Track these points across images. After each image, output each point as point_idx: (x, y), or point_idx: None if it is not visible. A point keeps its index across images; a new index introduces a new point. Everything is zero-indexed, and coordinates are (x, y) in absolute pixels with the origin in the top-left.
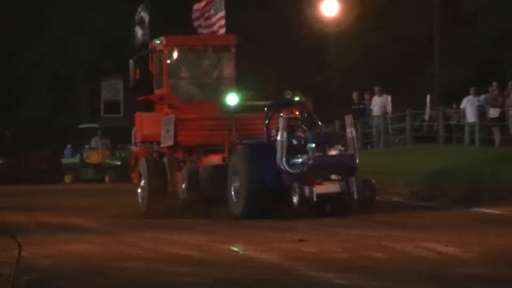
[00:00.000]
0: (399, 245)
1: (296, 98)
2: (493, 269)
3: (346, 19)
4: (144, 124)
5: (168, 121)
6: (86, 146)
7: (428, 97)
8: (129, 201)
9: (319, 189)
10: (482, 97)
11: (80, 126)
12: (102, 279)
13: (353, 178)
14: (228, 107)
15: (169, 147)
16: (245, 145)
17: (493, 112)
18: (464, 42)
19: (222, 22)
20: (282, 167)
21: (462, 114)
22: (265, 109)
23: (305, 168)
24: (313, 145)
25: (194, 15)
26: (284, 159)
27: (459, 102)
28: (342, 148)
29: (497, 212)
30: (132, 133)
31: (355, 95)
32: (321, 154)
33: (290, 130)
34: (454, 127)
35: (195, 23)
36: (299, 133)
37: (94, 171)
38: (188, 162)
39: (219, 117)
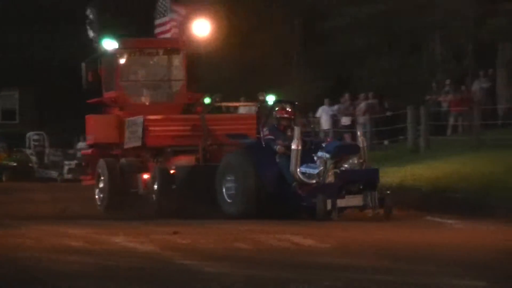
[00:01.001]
0: (264, 236)
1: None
2: (344, 257)
3: (217, 38)
4: (96, 126)
5: (134, 122)
6: None
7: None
8: (27, 198)
9: (341, 202)
10: (336, 107)
11: None
12: None
13: (375, 192)
14: (205, 106)
15: (133, 148)
16: (241, 145)
17: (345, 120)
18: (322, 58)
19: (168, 26)
20: (297, 177)
21: (317, 122)
22: (255, 108)
23: (321, 179)
24: (328, 155)
25: (157, 30)
26: (299, 169)
27: (316, 111)
28: (360, 160)
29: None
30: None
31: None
32: (341, 166)
33: (283, 130)
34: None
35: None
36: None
37: None
38: (154, 163)
39: (187, 117)
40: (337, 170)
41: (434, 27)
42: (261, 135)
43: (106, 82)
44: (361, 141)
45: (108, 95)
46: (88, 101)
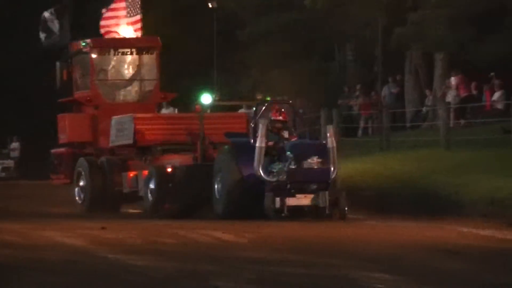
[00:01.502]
0: (185, 232)
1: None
2: (258, 252)
3: None
4: (70, 125)
5: (122, 120)
6: None
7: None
8: None
9: (291, 201)
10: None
11: None
12: None
13: (326, 193)
14: (202, 105)
15: (112, 148)
16: (230, 144)
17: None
18: (240, 63)
19: (139, 25)
20: (259, 174)
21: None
22: (253, 108)
23: (279, 177)
24: (290, 153)
25: (104, 21)
26: (261, 166)
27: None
28: (320, 160)
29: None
30: None
31: None
32: (297, 165)
33: (277, 132)
34: None
35: (103, 29)
36: (286, 136)
37: None
38: (142, 162)
39: (178, 116)
40: (286, 169)
41: (346, 36)
42: (250, 135)
43: (79, 81)
44: (329, 142)
45: (81, 94)
46: (61, 100)
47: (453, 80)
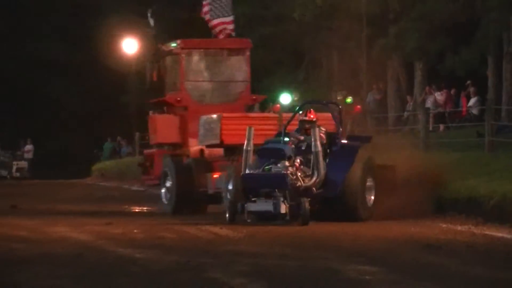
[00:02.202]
0: (185, 227)
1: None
2: (254, 246)
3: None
4: (160, 127)
5: (210, 120)
6: None
7: None
8: None
9: (251, 206)
10: None
11: None
12: None
13: (283, 199)
14: (282, 106)
15: (202, 148)
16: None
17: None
18: None
19: (231, 26)
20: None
21: None
22: (296, 109)
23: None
24: (258, 157)
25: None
26: (246, 169)
27: None
28: (287, 164)
29: None
30: None
31: None
32: (255, 170)
33: (304, 133)
34: None
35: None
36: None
37: None
38: (229, 162)
39: (264, 116)
40: (242, 174)
41: (332, 47)
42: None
43: (169, 82)
44: (313, 146)
45: (170, 95)
46: (150, 100)
47: (438, 95)
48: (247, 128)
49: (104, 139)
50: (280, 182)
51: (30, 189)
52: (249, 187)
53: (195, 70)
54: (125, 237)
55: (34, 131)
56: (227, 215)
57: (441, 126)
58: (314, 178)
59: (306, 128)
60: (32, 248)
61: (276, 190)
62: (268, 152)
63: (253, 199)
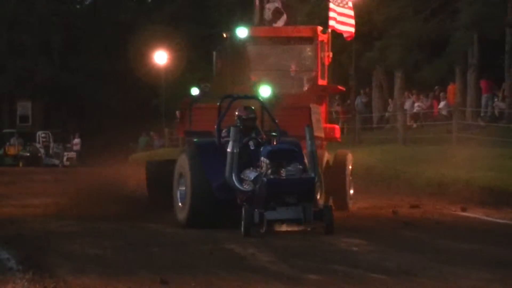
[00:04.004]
0: None
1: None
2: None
3: (174, 66)
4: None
5: (317, 110)
6: (7, 143)
7: None
8: (37, 178)
9: (271, 215)
10: None
11: (4, 130)
12: None
13: (310, 204)
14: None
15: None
16: (192, 144)
17: None
18: None
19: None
20: (232, 184)
21: None
22: (218, 103)
23: (256, 187)
24: (267, 159)
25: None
26: (234, 174)
27: None
28: (300, 167)
29: None
30: None
31: None
32: (275, 174)
33: (248, 132)
34: None
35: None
36: (256, 137)
37: (12, 159)
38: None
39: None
40: (265, 178)
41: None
42: (218, 135)
43: (236, 73)
44: (309, 145)
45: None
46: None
47: (415, 99)
48: (232, 128)
49: (139, 135)
50: (307, 186)
51: (78, 174)
52: (273, 194)
53: (261, 59)
54: (154, 214)
55: (83, 128)
56: (242, 228)
57: (415, 124)
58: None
59: (249, 125)
60: (79, 224)
61: (300, 196)
62: (280, 154)
63: (274, 206)
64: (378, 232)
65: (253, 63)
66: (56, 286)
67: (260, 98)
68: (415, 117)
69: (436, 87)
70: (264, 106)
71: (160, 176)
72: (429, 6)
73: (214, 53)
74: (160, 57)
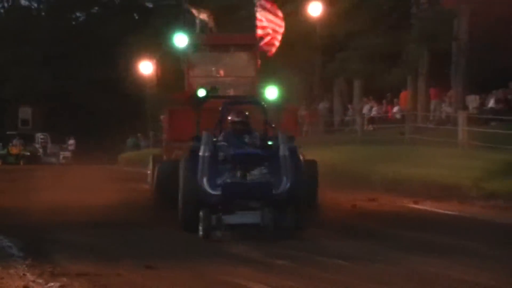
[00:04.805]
0: None
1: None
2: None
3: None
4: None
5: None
6: (10, 144)
7: None
8: (37, 175)
9: (229, 218)
10: None
11: (7, 132)
12: None
13: (267, 209)
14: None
15: None
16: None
17: None
18: None
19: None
20: (203, 188)
21: None
22: (220, 108)
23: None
24: (230, 165)
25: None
26: (205, 178)
27: None
28: (265, 171)
29: None
30: None
31: None
32: (243, 178)
33: (239, 136)
34: None
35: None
36: (248, 140)
37: (15, 158)
38: None
39: None
40: (222, 182)
41: (294, 69)
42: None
43: (182, 79)
44: (281, 149)
45: (182, 91)
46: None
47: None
48: (203, 132)
49: (127, 137)
50: (264, 191)
51: (71, 171)
52: (229, 197)
53: (201, 66)
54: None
55: (77, 130)
56: (200, 232)
57: (371, 127)
58: (287, 184)
59: (241, 129)
60: (81, 215)
61: (258, 200)
62: (244, 158)
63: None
64: (338, 223)
65: (192, 70)
66: (53, 270)
67: (261, 102)
68: (372, 120)
69: (388, 94)
70: (264, 110)
71: (176, 176)
72: (386, 22)
73: (155, 60)
74: (145, 67)
